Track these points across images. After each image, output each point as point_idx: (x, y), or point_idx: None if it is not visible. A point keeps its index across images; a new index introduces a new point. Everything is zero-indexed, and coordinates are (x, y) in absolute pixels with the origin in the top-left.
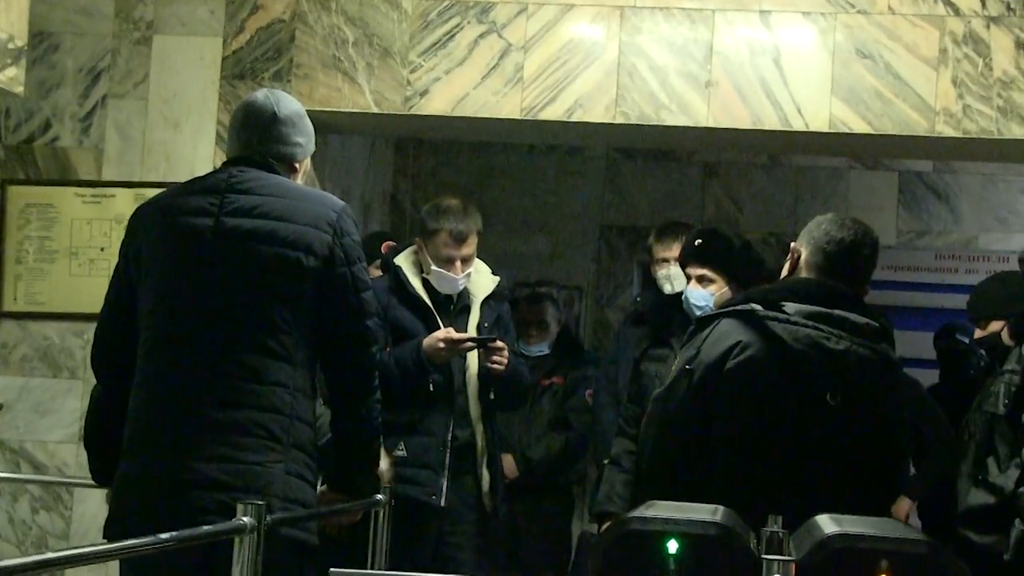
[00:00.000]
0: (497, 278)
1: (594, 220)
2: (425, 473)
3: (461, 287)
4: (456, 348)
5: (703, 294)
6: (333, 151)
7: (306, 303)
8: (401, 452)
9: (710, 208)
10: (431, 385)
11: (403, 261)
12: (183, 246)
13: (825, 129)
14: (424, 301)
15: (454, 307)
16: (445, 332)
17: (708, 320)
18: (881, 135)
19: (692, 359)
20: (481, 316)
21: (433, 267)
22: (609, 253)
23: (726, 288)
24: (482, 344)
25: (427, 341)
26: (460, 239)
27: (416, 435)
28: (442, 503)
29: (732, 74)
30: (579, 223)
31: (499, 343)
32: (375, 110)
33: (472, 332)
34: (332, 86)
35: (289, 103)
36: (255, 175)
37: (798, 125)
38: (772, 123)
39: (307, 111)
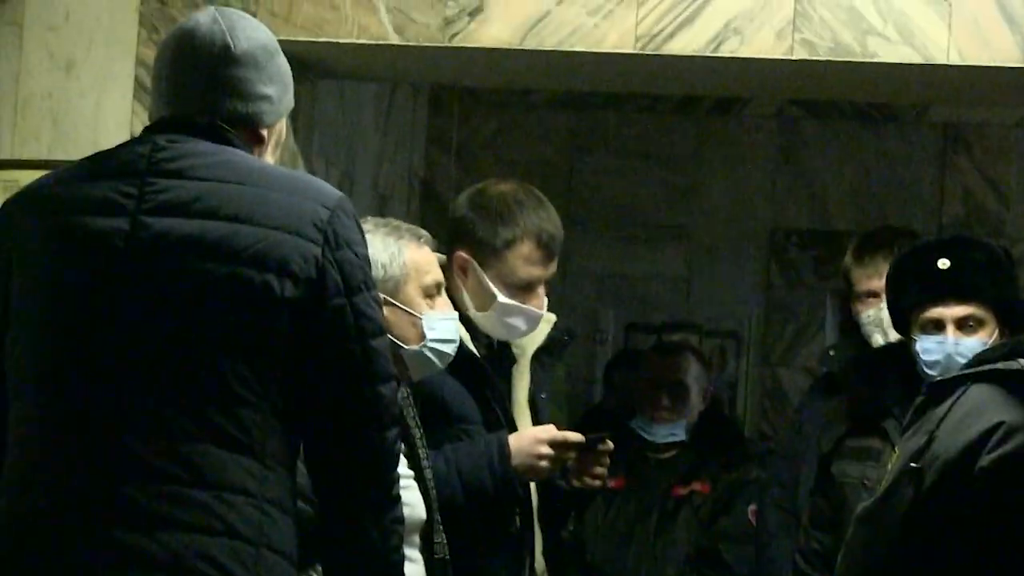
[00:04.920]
0: (552, 317)
1: (760, 221)
2: None
3: (535, 329)
4: (565, 457)
5: (974, 345)
6: (327, 109)
7: (280, 357)
8: None
9: (954, 199)
10: (517, 518)
11: None
12: (80, 262)
13: None
14: (481, 362)
15: (501, 368)
16: (549, 431)
17: (947, 387)
18: None
19: (921, 452)
20: (534, 381)
21: (500, 299)
22: (784, 276)
23: (996, 334)
24: (591, 446)
25: (518, 444)
26: (553, 249)
27: None
28: None
29: None
30: (735, 226)
31: (610, 443)
32: (395, 40)
33: (524, 406)
34: (324, 1)
35: (251, 31)
36: (195, 148)
37: None
38: None
39: (284, 43)
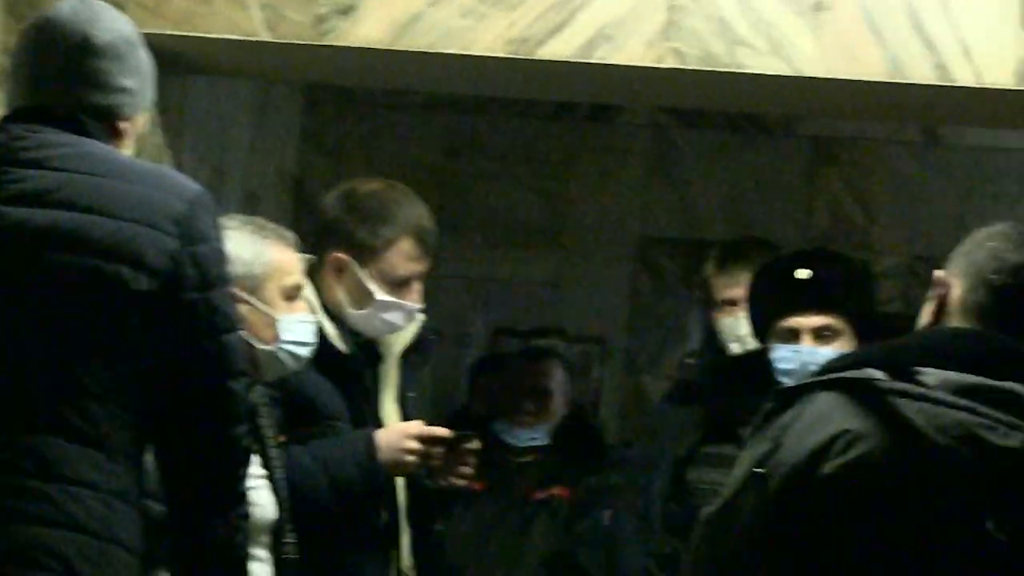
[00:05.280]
0: (421, 316)
1: (629, 228)
2: None
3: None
4: (432, 452)
5: (829, 355)
6: (198, 105)
7: (131, 350)
8: None
9: (822, 213)
10: (384, 512)
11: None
12: None
13: (1011, 84)
14: (349, 359)
15: (372, 367)
16: (416, 426)
17: (795, 394)
18: None
19: (766, 457)
20: (402, 381)
21: (378, 296)
22: (653, 283)
23: (852, 345)
24: (458, 443)
25: (385, 439)
26: (431, 245)
27: None
28: None
29: None
30: (604, 233)
31: (477, 442)
32: (267, 37)
33: (392, 405)
34: None
35: (113, 22)
36: (53, 139)
37: (964, 77)
38: (922, 73)
39: (153, 36)
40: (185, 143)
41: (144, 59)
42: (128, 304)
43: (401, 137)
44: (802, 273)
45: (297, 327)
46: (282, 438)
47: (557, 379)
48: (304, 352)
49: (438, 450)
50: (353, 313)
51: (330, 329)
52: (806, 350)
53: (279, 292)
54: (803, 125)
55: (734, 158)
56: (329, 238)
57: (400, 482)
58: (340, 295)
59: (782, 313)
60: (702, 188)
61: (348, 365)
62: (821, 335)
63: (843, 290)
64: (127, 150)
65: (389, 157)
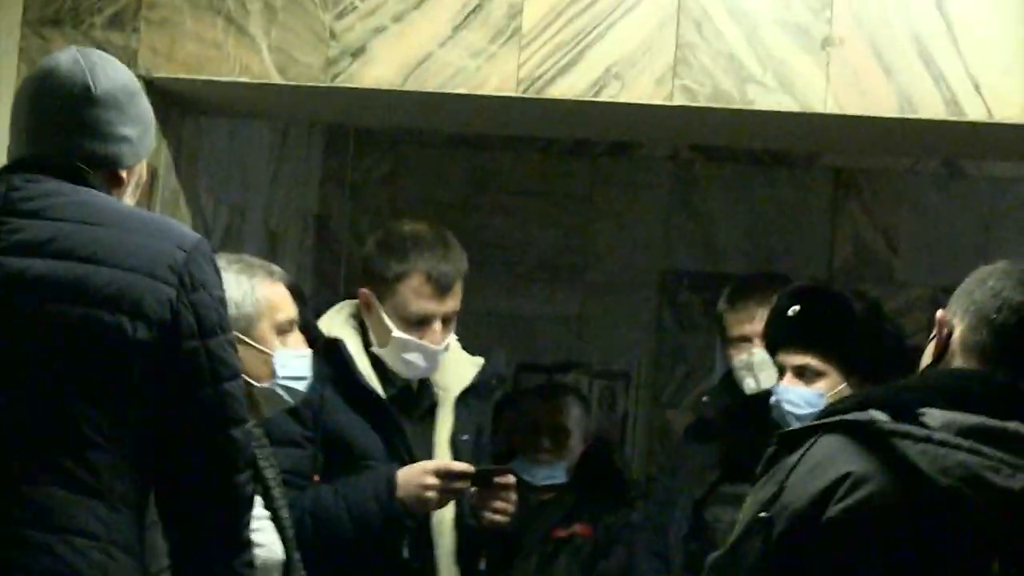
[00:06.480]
0: (480, 361)
1: (652, 263)
2: None
3: (438, 366)
4: (454, 488)
5: (807, 396)
6: (217, 146)
7: (132, 400)
8: None
9: (844, 246)
10: (405, 549)
11: (341, 330)
12: None
13: (1021, 119)
14: (381, 398)
15: (418, 407)
16: (436, 463)
17: (799, 437)
18: None
19: (771, 501)
20: (456, 423)
21: (394, 333)
22: (676, 318)
23: (844, 385)
24: (486, 479)
25: (405, 476)
26: (443, 285)
27: None
28: None
29: (867, 27)
30: (627, 269)
31: (510, 477)
32: (278, 80)
33: (444, 447)
34: (207, 40)
35: (112, 72)
36: (52, 188)
37: (976, 112)
38: (933, 108)
39: (167, 81)
40: (202, 184)
41: (144, 107)
42: (128, 353)
43: (423, 174)
44: (792, 310)
45: (292, 361)
46: (316, 477)
47: (574, 416)
48: (300, 386)
49: (461, 486)
50: (380, 351)
51: (366, 370)
52: (781, 388)
53: (272, 328)
54: (824, 157)
55: (756, 191)
56: (361, 273)
57: (447, 522)
58: (371, 332)
59: (773, 350)
60: (724, 222)
61: (382, 406)
62: (804, 374)
63: (826, 329)
64: (127, 199)
65: (411, 194)
